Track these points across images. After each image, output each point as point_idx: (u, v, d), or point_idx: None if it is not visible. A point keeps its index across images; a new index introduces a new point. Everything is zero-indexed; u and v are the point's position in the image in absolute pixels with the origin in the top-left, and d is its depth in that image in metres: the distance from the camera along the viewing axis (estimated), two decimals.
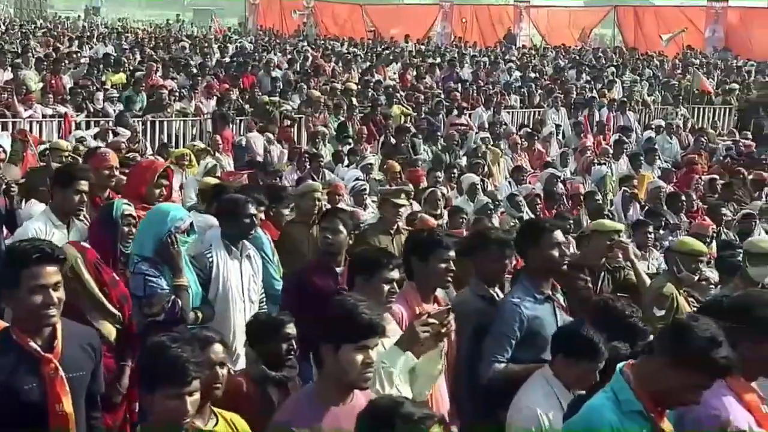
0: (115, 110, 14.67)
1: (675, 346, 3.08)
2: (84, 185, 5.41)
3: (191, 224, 4.81)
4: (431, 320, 3.90)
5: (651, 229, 8.38)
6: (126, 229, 4.97)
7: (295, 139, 15.97)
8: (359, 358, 3.28)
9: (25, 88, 14.28)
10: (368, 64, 23.10)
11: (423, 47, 30.33)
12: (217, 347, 3.66)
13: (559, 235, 4.73)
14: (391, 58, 24.62)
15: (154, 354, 3.12)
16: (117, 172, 6.15)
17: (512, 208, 10.56)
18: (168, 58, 20.48)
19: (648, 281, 6.44)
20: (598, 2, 42.67)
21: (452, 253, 4.54)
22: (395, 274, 4.12)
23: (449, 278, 4.57)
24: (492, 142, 15.49)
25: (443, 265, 4.49)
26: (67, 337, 3.42)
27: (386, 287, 4.09)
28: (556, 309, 4.61)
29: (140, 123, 14.44)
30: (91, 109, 14.56)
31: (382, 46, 29.47)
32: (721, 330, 3.04)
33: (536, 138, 16.02)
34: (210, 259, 5.19)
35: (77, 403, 3.40)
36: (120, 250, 4.95)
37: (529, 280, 4.67)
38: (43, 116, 13.85)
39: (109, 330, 4.49)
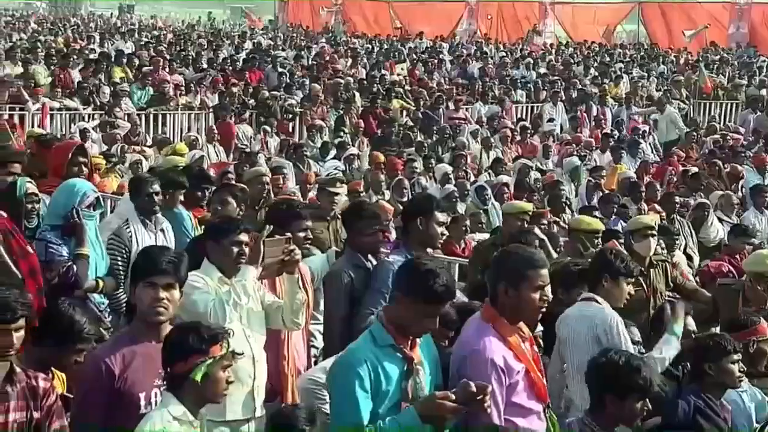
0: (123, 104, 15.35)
1: (403, 281, 3.65)
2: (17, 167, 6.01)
3: (97, 199, 5.41)
4: (269, 241, 4.49)
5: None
6: (29, 206, 5.52)
7: (297, 133, 16.63)
8: (148, 293, 3.80)
9: (34, 82, 15.05)
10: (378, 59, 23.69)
11: (443, 43, 30.78)
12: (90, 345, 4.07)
13: (441, 215, 5.28)
14: (396, 54, 25.15)
15: None
16: None
17: (477, 199, 11.05)
18: (177, 53, 21.25)
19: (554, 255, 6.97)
20: None
21: (309, 223, 5.16)
22: (243, 237, 4.61)
23: (307, 246, 5.18)
24: (488, 136, 16.02)
25: (301, 234, 5.08)
26: None
27: (235, 249, 4.59)
28: None
29: (143, 116, 15.16)
30: (98, 103, 15.29)
31: (400, 44, 29.95)
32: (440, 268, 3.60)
33: (529, 132, 16.46)
34: (129, 233, 5.82)
35: None
36: (24, 226, 5.45)
37: (406, 248, 5.20)
38: (51, 109, 14.61)
39: None
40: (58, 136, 13.44)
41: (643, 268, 6.37)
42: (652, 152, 16.78)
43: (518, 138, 16.17)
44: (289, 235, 4.70)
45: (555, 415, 4.00)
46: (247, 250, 4.54)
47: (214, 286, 4.50)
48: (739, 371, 4.65)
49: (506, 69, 23.68)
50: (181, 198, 6.43)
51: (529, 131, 16.51)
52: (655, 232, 6.67)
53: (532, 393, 3.82)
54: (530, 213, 7.08)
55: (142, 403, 3.77)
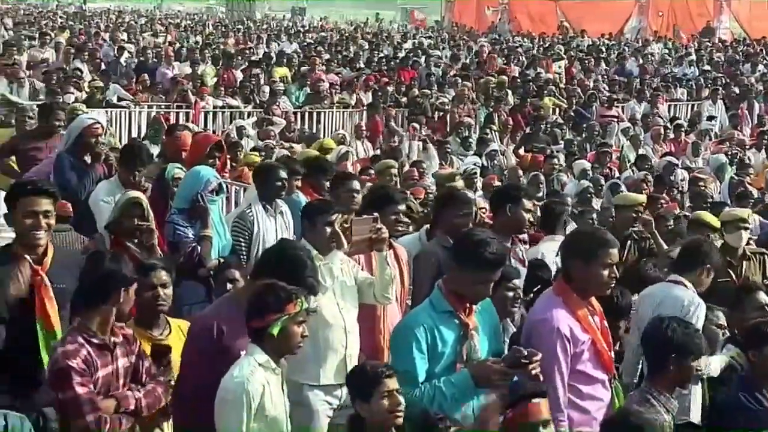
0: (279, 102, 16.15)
1: (459, 251, 3.96)
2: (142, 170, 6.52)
3: (220, 185, 5.96)
4: (357, 220, 4.85)
5: None
6: (176, 189, 6.11)
7: (448, 130, 16.95)
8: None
9: (201, 82, 16.08)
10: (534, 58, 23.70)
11: (605, 41, 30.38)
12: (160, 272, 4.56)
13: (528, 202, 5.58)
14: (554, 51, 25.04)
15: None
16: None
17: (611, 194, 11.03)
18: (336, 53, 22.06)
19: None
20: None
21: (402, 207, 5.51)
22: (335, 218, 4.98)
23: (399, 228, 5.53)
24: (637, 133, 15.86)
25: (393, 217, 5.41)
26: (57, 256, 4.36)
27: (328, 229, 4.96)
28: (510, 258, 5.36)
29: (299, 113, 15.90)
30: (257, 101, 16.15)
31: (561, 42, 29.75)
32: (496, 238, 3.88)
33: (684, 130, 16.15)
34: (251, 216, 6.32)
35: (63, 307, 4.27)
36: (170, 205, 6.08)
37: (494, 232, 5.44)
38: (214, 107, 15.59)
39: None
40: (219, 132, 14.39)
41: (733, 260, 6.39)
42: None
43: (671, 136, 15.92)
44: (376, 214, 5.04)
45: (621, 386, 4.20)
46: (339, 230, 4.92)
47: None
48: None
49: (667, 66, 23.19)
50: (298, 184, 6.90)
51: (683, 129, 16.20)
52: (748, 225, 6.68)
53: (597, 363, 4.06)
54: (643, 204, 7.17)
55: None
